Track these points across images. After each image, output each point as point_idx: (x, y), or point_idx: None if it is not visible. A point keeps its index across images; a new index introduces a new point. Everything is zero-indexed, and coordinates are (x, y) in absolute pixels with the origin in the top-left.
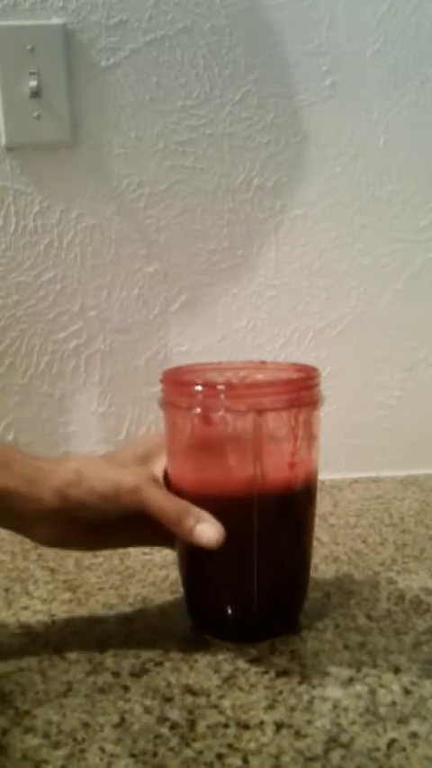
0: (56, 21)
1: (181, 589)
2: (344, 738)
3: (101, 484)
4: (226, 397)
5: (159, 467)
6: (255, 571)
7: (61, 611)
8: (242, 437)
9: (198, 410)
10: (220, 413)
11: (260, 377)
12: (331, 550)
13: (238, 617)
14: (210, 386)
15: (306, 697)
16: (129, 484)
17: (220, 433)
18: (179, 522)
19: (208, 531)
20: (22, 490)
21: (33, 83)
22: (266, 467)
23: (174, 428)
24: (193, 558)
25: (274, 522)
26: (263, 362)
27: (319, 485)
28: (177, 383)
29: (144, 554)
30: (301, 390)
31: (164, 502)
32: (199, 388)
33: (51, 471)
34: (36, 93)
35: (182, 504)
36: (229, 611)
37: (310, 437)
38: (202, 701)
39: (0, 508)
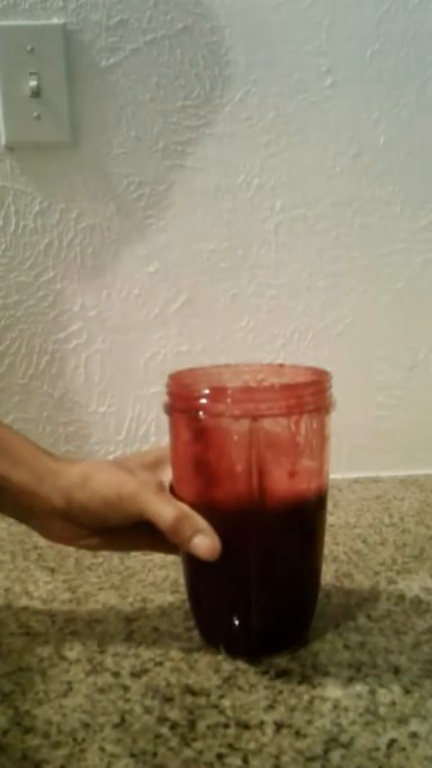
0: (56, 21)
1: (182, 589)
2: (344, 738)
3: (104, 488)
4: (220, 401)
5: (168, 474)
6: (253, 585)
7: (61, 611)
8: (238, 444)
9: (193, 414)
10: (215, 418)
11: (274, 381)
12: (331, 550)
13: (236, 631)
14: (205, 390)
15: (306, 697)
16: (130, 489)
17: (215, 439)
18: (175, 530)
19: (203, 543)
20: (31, 486)
21: (33, 83)
22: (265, 476)
23: (174, 434)
24: (195, 567)
25: (276, 535)
26: (281, 366)
27: None
28: (177, 386)
29: (144, 554)
30: (303, 396)
31: (162, 509)
32: (195, 391)
33: (60, 472)
34: (36, 93)
35: (182, 511)
36: (230, 624)
37: (316, 445)
38: (202, 700)
39: (10, 501)
